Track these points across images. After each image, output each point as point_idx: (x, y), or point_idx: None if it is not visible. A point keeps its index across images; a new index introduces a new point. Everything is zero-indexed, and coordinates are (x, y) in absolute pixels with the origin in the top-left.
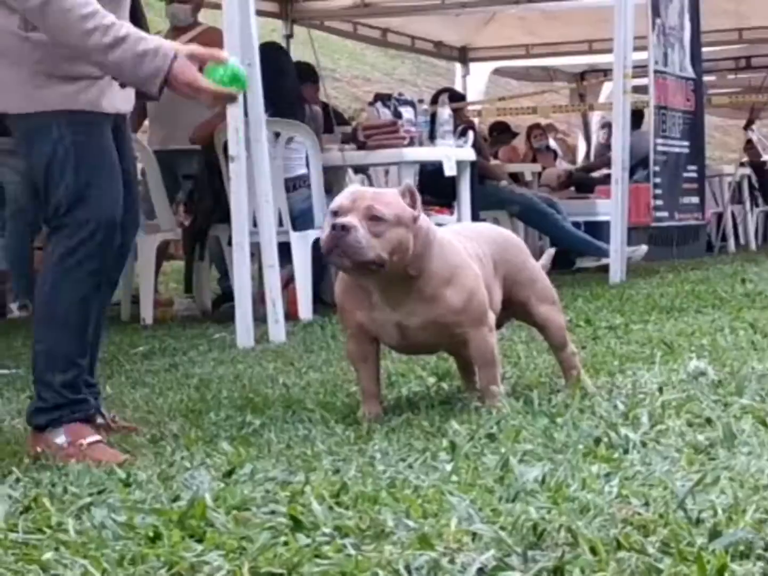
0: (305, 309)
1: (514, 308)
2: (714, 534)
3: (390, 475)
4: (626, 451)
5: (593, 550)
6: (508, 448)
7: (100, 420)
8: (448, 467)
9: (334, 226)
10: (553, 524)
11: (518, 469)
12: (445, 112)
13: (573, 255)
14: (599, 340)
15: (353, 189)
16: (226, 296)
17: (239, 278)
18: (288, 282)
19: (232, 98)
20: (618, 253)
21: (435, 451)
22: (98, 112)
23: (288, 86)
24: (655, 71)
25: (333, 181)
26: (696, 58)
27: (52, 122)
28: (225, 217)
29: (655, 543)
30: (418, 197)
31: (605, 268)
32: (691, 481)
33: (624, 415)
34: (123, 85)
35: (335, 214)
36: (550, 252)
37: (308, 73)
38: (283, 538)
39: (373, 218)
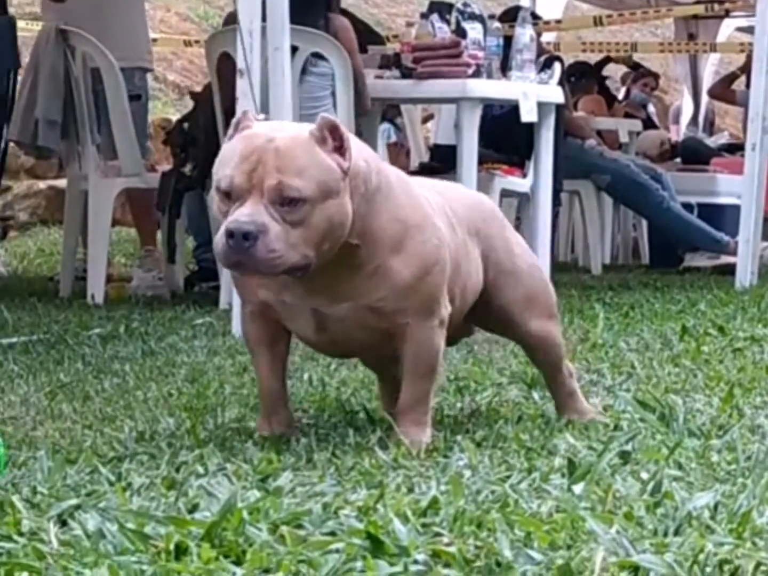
0: None
1: (490, 316)
2: None
3: (491, 496)
4: None
5: None
6: (657, 470)
7: None
8: (576, 489)
9: (231, 234)
10: (749, 562)
11: (679, 495)
12: (525, 34)
13: (681, 249)
14: (740, 353)
15: (242, 147)
16: (204, 273)
17: None
18: None
19: None
20: (749, 247)
21: (546, 471)
22: None
23: None
24: None
25: (361, 123)
26: None
27: None
28: None
29: None
30: (345, 134)
31: (724, 269)
32: None
33: None
34: None
35: (227, 195)
36: None
37: None
38: (359, 563)
39: (285, 202)
